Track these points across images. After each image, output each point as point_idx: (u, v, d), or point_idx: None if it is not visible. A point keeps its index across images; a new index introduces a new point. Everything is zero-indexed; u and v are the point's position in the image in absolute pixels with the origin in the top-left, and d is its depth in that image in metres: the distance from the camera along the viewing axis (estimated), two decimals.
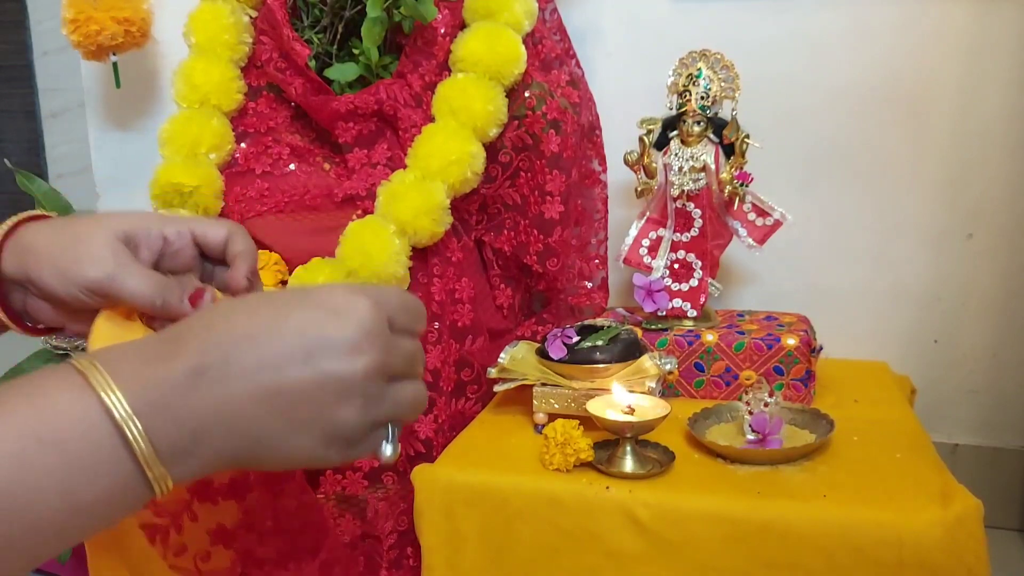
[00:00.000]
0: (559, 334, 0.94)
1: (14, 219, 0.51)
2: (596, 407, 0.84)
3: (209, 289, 0.51)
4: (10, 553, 0.34)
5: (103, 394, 0.36)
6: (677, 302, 1.07)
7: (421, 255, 0.99)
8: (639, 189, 1.07)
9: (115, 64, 1.29)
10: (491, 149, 1.05)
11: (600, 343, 0.92)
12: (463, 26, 1.07)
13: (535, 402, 0.94)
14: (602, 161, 1.18)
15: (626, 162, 1.06)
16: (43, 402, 0.36)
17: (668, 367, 0.92)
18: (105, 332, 0.48)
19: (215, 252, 0.53)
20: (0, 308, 0.51)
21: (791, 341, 0.98)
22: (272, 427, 0.38)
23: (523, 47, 1.05)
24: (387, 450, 0.43)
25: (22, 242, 0.50)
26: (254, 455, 0.39)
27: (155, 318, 0.50)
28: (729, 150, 1.03)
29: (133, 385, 0.36)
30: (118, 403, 0.36)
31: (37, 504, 0.34)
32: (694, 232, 1.06)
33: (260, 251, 0.99)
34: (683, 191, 1.03)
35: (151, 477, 0.37)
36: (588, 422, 0.84)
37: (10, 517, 0.34)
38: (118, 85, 1.31)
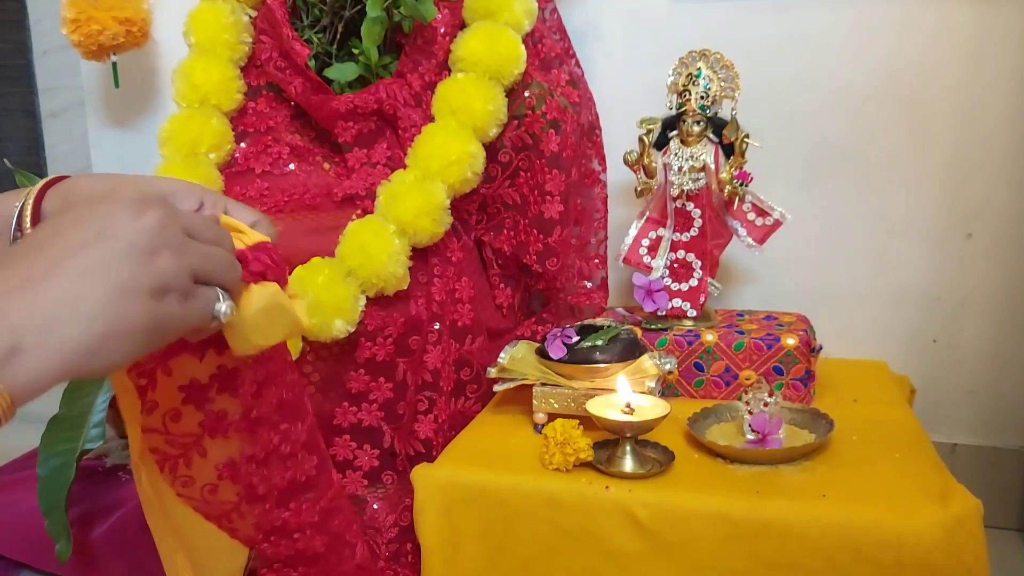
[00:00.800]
0: (559, 334, 0.94)
1: (56, 176, 0.55)
2: (596, 407, 0.84)
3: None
4: None
5: None
6: (677, 302, 1.07)
7: (421, 255, 0.99)
8: (639, 189, 1.07)
9: (114, 64, 1.29)
10: (491, 149, 1.05)
11: (600, 343, 0.92)
12: (463, 26, 1.07)
13: (535, 402, 0.94)
14: (602, 161, 1.18)
15: (626, 162, 1.06)
16: None
17: (668, 367, 0.92)
18: None
19: None
20: None
21: (791, 341, 0.98)
22: (95, 302, 0.39)
23: (523, 47, 1.05)
24: (223, 307, 0.46)
25: (65, 186, 0.53)
26: (92, 337, 0.39)
27: None
28: (729, 150, 1.03)
29: None
30: None
31: None
32: (694, 232, 1.06)
33: None
34: (683, 191, 1.03)
35: None
36: (588, 422, 0.84)
37: None
38: (117, 85, 1.31)
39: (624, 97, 1.19)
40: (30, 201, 0.53)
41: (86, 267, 0.40)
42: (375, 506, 0.95)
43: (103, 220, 0.41)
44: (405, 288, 0.97)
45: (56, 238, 0.41)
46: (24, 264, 0.39)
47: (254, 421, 0.58)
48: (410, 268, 0.97)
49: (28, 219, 0.53)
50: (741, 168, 1.02)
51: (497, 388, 0.96)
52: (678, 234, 1.07)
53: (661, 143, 1.06)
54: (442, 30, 1.07)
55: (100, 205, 0.42)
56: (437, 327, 0.99)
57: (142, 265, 0.41)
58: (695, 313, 1.06)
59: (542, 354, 0.95)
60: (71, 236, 0.40)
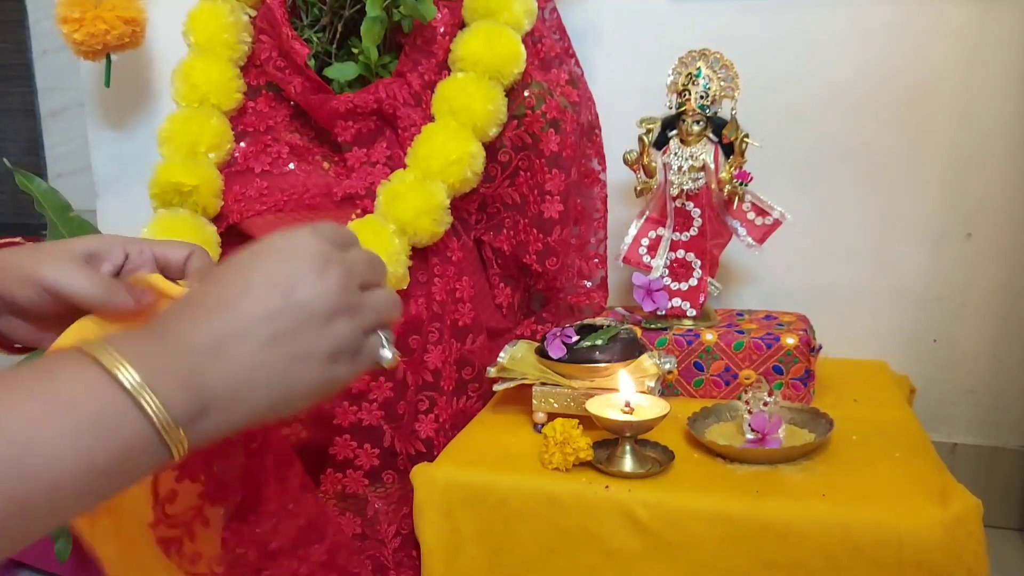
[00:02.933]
0: (558, 333, 0.94)
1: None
2: (595, 406, 0.84)
3: (150, 295, 0.52)
4: (32, 513, 0.36)
5: (111, 367, 0.38)
6: (676, 301, 1.07)
7: (421, 254, 0.99)
8: (638, 188, 1.07)
9: (108, 63, 1.29)
10: (490, 148, 1.05)
11: (599, 342, 0.92)
12: (462, 25, 1.07)
13: (534, 401, 0.94)
14: (601, 160, 1.18)
15: (625, 161, 1.06)
16: (52, 375, 0.38)
17: (667, 366, 0.92)
18: (72, 333, 0.50)
19: (176, 272, 0.57)
20: None
21: (790, 340, 0.98)
22: (277, 370, 0.42)
23: (522, 46, 1.05)
24: (387, 354, 0.47)
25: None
26: (270, 402, 0.42)
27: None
28: (728, 149, 1.03)
29: (138, 360, 0.38)
30: (128, 375, 0.38)
31: (54, 465, 0.36)
32: (693, 231, 1.06)
33: None
34: (682, 190, 1.03)
35: (168, 440, 0.39)
36: (587, 421, 0.84)
37: (29, 476, 0.35)
38: (108, 84, 1.31)
39: (623, 96, 1.19)
40: None
41: (271, 335, 0.42)
42: (377, 506, 0.95)
43: (288, 281, 0.43)
44: (405, 288, 0.97)
45: (246, 296, 0.42)
46: (216, 320, 0.41)
47: (253, 480, 0.58)
48: (410, 268, 0.97)
49: None
50: (741, 168, 1.02)
51: (497, 388, 0.96)
52: (678, 234, 1.07)
53: (661, 143, 1.06)
54: (442, 30, 1.07)
55: (285, 259, 0.43)
56: (438, 327, 0.99)
57: (321, 332, 0.43)
58: (695, 312, 1.06)
59: (542, 354, 0.95)
60: (259, 297, 0.42)
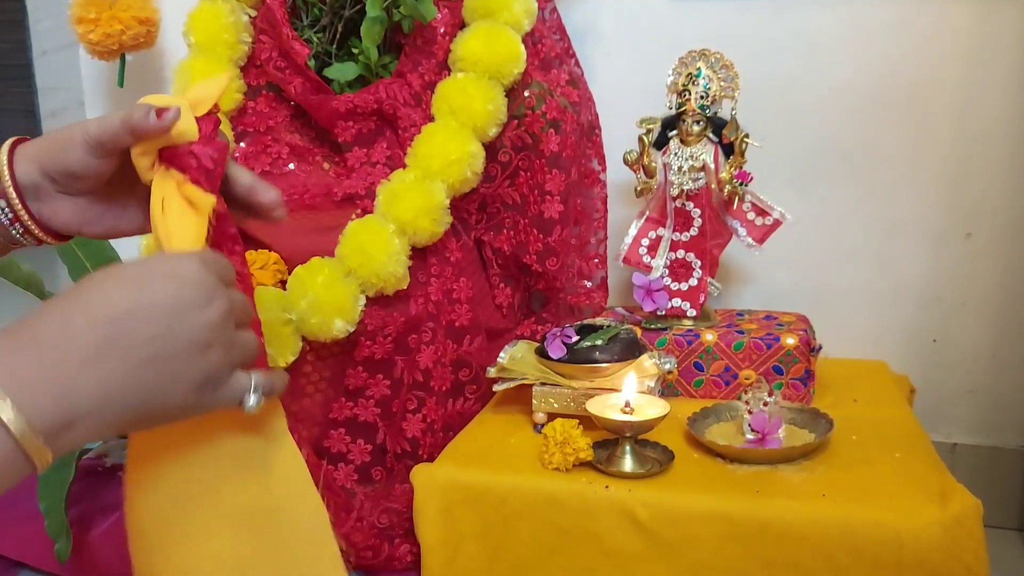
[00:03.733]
0: (558, 333, 0.94)
1: (14, 139, 0.57)
2: (595, 407, 0.84)
3: (175, 108, 0.54)
4: None
5: None
6: (676, 301, 1.07)
7: (420, 254, 0.99)
8: (638, 188, 1.07)
9: (122, 63, 1.29)
10: (490, 148, 1.05)
11: (599, 343, 0.92)
12: (463, 25, 1.07)
13: (534, 402, 0.94)
14: (601, 160, 1.18)
15: (625, 161, 1.06)
16: None
17: (667, 366, 0.92)
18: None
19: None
20: (26, 213, 0.56)
21: (790, 340, 0.98)
22: (146, 389, 0.43)
23: (523, 46, 1.05)
24: (250, 401, 0.49)
25: (30, 144, 0.56)
26: (135, 418, 0.44)
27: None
28: (729, 149, 1.03)
29: (5, 371, 0.39)
30: None
31: None
32: (693, 231, 1.06)
33: (259, 250, 0.99)
34: (682, 190, 1.03)
35: (29, 453, 0.39)
36: (587, 421, 0.84)
37: None
38: (121, 84, 1.31)
39: (623, 96, 1.19)
40: (5, 172, 0.55)
41: (150, 357, 0.43)
42: (362, 502, 0.95)
43: (175, 307, 0.44)
44: (405, 288, 0.97)
45: (132, 316, 0.43)
46: (96, 334, 0.42)
47: None
48: (410, 268, 0.97)
49: (11, 189, 0.55)
50: (741, 168, 1.02)
51: (497, 388, 0.96)
52: (678, 234, 1.07)
53: (661, 143, 1.06)
54: (442, 30, 1.07)
55: (173, 285, 0.44)
56: (431, 326, 0.99)
57: (195, 360, 0.45)
58: (695, 313, 1.06)
59: (542, 354, 0.95)
60: (144, 318, 0.43)
